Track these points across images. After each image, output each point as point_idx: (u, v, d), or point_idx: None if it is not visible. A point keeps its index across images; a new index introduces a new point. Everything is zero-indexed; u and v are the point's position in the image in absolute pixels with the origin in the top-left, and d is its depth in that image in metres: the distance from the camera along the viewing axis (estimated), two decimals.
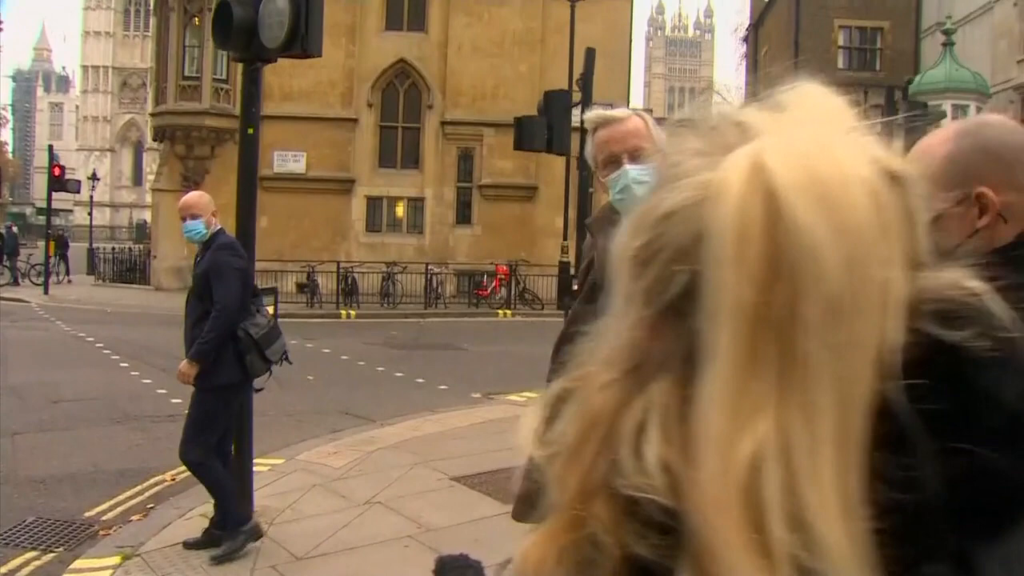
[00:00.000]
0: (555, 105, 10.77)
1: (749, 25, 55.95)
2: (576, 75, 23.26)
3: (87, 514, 6.64)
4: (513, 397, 11.15)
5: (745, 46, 58.88)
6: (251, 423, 6.23)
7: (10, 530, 6.19)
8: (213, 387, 5.37)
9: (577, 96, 10.82)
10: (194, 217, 5.40)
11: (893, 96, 11.83)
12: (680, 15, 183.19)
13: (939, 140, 1.61)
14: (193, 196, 5.62)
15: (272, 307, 6.06)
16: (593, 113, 2.78)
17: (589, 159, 2.77)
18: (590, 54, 11.01)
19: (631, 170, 2.60)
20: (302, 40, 5.17)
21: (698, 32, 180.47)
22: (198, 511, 6.20)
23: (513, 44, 28.68)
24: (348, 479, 7.25)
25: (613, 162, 2.66)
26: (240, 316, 5.40)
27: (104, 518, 6.57)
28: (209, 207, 5.49)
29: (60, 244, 33.79)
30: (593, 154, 2.73)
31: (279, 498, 6.63)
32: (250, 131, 5.84)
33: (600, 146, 2.70)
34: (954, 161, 1.54)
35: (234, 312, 5.35)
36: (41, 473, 7.66)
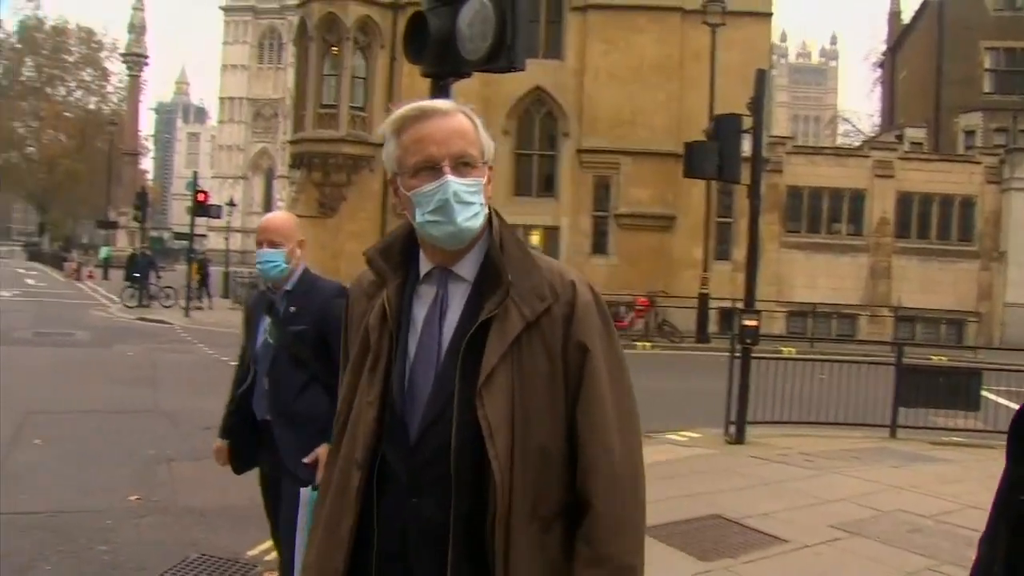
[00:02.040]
0: (726, 130, 10.02)
1: (886, 50, 54.11)
2: (719, 103, 22.55)
3: (250, 553, 6.28)
4: (673, 436, 10.50)
5: (880, 71, 56.96)
6: None
7: (175, 567, 5.86)
8: None
9: (748, 122, 10.07)
10: (273, 245, 3.99)
11: None
12: (804, 43, 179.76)
13: None
14: (279, 218, 4.23)
15: None
16: (407, 105, 2.03)
17: (389, 163, 2.05)
18: (761, 75, 10.30)
19: (453, 183, 1.95)
20: (508, 52, 4.69)
21: (823, 59, 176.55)
22: None
23: (650, 71, 28.12)
24: None
25: (428, 168, 1.97)
26: None
27: (267, 558, 6.19)
28: (295, 234, 4.11)
29: (202, 268, 34.50)
30: (398, 156, 2.02)
31: None
32: None
33: (411, 146, 1.99)
34: None
35: None
36: (199, 504, 7.36)
